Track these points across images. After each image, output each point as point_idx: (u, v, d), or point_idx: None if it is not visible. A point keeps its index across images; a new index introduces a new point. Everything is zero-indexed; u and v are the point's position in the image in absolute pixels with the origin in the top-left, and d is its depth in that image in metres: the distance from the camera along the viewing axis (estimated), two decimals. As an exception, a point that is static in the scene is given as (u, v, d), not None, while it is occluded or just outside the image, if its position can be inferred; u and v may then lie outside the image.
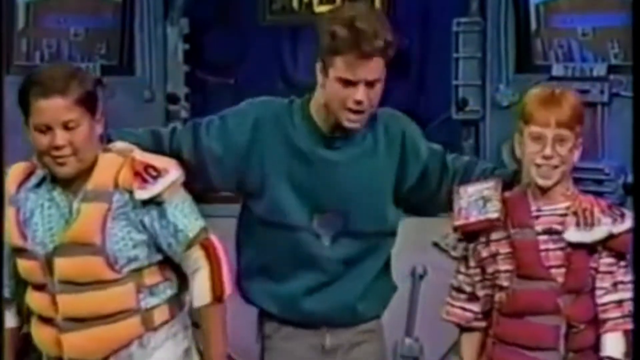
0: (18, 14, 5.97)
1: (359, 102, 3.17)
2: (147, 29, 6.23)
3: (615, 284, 3.20)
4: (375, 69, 3.18)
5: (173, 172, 2.99)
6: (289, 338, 3.37)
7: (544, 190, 3.21)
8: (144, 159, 2.98)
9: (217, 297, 3.04)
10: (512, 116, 6.20)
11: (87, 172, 2.93)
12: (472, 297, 3.31)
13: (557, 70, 6.10)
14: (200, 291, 3.03)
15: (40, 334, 3.00)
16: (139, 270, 2.97)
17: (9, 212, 2.95)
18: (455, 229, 3.32)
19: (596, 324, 3.20)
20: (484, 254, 3.26)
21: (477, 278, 3.29)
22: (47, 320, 2.97)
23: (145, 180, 2.90)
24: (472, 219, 3.26)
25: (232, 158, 3.30)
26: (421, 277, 4.17)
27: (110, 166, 2.94)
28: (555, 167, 3.17)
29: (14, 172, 3.05)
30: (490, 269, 3.25)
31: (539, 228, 3.23)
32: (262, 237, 3.36)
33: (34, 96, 2.95)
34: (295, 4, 7.00)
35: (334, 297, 3.33)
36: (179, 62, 6.35)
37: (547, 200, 3.24)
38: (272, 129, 3.31)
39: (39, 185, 3.03)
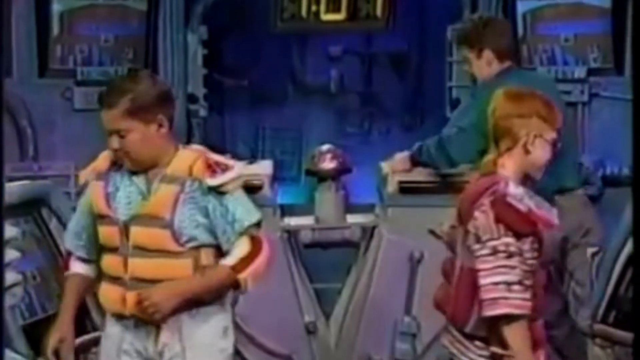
0: (53, 22, 5.98)
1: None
2: (169, 36, 6.24)
3: None
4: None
5: (237, 169, 3.22)
6: None
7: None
8: (215, 156, 3.22)
9: (237, 270, 3.11)
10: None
11: (167, 161, 3.14)
12: (529, 288, 2.98)
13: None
14: (229, 256, 3.13)
15: (108, 293, 3.16)
16: (197, 249, 3.12)
17: (97, 186, 3.16)
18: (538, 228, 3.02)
19: None
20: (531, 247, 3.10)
21: (529, 269, 2.99)
22: (116, 279, 3.13)
23: (215, 172, 3.13)
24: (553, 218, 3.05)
25: None
26: (418, 261, 4.16)
27: (187, 159, 3.14)
28: None
29: (107, 154, 3.22)
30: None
31: None
32: None
33: (100, 105, 3.17)
34: (304, 13, 6.99)
35: None
36: (198, 65, 6.36)
37: None
38: None
39: (122, 167, 3.22)
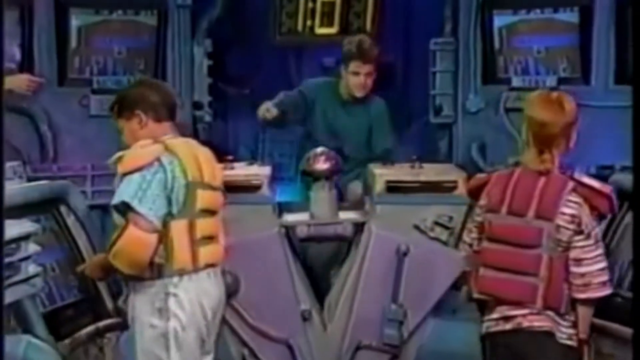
0: (71, 36, 5.95)
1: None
2: (177, 48, 6.22)
3: None
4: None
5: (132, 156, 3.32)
6: None
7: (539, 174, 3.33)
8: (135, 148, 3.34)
9: (108, 251, 3.20)
10: (479, 120, 6.25)
11: None
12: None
13: (516, 82, 6.09)
14: None
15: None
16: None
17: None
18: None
19: None
20: None
21: None
22: None
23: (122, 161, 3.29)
24: None
25: None
26: (405, 254, 4.13)
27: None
28: None
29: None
30: None
31: None
32: None
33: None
34: (300, 27, 6.97)
35: None
36: (204, 75, 6.33)
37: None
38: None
39: None
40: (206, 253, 3.30)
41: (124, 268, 3.19)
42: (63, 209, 3.83)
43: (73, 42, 5.96)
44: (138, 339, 3.24)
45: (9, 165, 4.78)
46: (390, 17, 6.99)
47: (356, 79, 4.83)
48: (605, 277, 3.23)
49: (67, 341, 3.53)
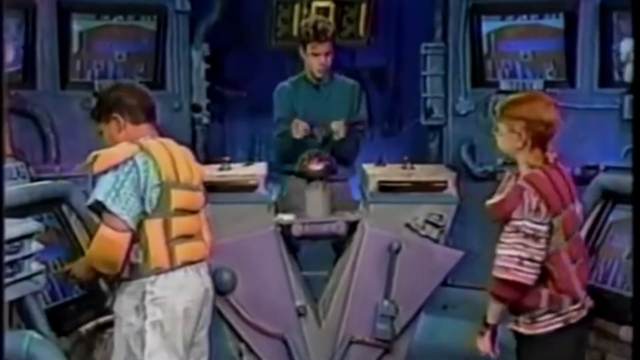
0: (73, 41, 5.92)
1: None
2: (176, 53, 6.20)
3: (498, 242, 3.20)
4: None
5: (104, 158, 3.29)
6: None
7: (529, 168, 3.24)
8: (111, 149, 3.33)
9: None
10: (469, 122, 6.25)
11: None
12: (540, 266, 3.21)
13: (504, 85, 6.09)
14: None
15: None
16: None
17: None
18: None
19: None
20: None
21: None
22: None
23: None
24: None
25: None
26: (397, 251, 4.13)
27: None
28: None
29: None
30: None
31: None
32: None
33: None
34: (295, 32, 6.96)
35: None
36: (202, 78, 6.32)
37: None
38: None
39: None
40: (183, 251, 3.24)
41: (98, 267, 3.17)
42: (65, 208, 3.82)
43: (75, 47, 5.94)
44: (117, 336, 3.23)
45: (13, 165, 4.78)
46: (383, 23, 7.00)
47: (315, 59, 4.70)
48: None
49: (69, 337, 3.52)
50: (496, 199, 3.24)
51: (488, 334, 3.26)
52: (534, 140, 3.21)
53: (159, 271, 3.19)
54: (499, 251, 3.17)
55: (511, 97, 3.36)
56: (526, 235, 3.12)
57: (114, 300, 3.29)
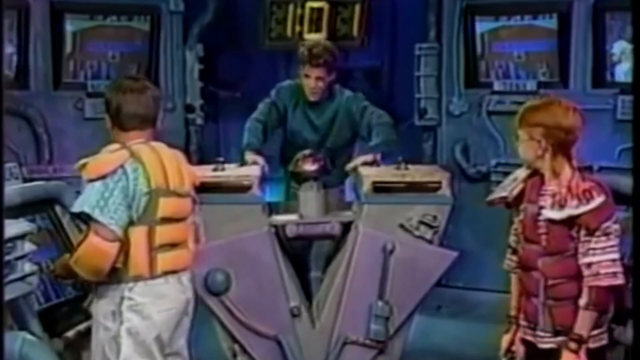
0: (66, 41, 5.90)
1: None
2: (169, 53, 6.20)
3: (587, 250, 3.08)
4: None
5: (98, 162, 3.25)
6: None
7: (553, 174, 3.17)
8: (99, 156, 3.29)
9: (71, 255, 3.21)
10: (463, 123, 6.26)
11: None
12: (514, 251, 3.32)
13: (497, 85, 6.10)
14: None
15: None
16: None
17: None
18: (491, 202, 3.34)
19: (575, 280, 3.11)
20: (515, 221, 3.27)
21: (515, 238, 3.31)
22: None
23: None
24: (493, 196, 3.32)
25: None
26: (391, 252, 4.13)
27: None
28: None
29: None
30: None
31: (542, 203, 3.17)
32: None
33: None
34: (289, 32, 6.97)
35: None
36: (195, 79, 6.32)
37: (548, 183, 3.18)
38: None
39: None
40: (165, 260, 3.20)
41: (84, 274, 3.15)
42: (58, 209, 3.80)
43: (68, 47, 5.92)
44: (93, 340, 3.22)
45: (5, 166, 4.75)
46: (377, 24, 7.00)
47: (307, 82, 4.59)
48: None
49: (61, 338, 3.51)
50: (590, 206, 3.11)
51: (584, 349, 3.08)
52: (554, 147, 3.11)
53: (138, 278, 3.17)
54: (595, 258, 3.07)
55: (529, 103, 3.24)
56: (615, 237, 3.10)
57: (91, 301, 3.27)
